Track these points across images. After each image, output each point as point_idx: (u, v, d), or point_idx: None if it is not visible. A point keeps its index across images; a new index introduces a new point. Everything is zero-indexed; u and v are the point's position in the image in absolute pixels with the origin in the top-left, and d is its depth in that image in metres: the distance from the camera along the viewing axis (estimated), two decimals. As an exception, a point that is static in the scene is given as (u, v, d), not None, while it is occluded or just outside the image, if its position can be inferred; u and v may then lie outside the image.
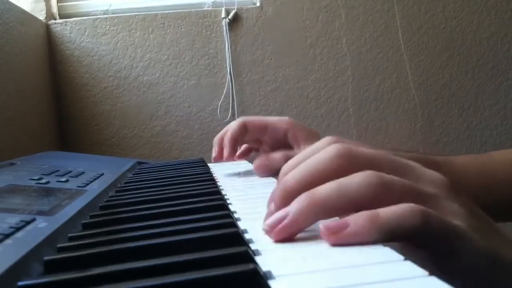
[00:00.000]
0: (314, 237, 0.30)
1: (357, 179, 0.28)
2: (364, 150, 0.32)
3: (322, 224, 0.27)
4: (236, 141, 0.63)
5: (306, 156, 0.33)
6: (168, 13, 1.41)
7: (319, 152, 0.32)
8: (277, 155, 0.60)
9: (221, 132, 0.66)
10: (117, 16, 1.40)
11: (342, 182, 0.29)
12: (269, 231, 0.29)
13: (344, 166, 0.30)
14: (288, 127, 0.62)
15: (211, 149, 0.69)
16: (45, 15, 1.35)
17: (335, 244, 0.27)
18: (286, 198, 0.30)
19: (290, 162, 0.35)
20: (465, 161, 0.58)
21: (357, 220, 0.27)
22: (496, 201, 0.55)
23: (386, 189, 0.28)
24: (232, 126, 0.63)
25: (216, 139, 0.66)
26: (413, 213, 0.27)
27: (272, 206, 0.31)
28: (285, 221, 0.29)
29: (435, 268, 0.28)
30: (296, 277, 0.23)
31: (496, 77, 1.50)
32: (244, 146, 0.69)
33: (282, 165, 0.55)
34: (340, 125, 1.46)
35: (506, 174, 0.56)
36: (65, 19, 1.38)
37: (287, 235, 0.29)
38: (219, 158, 0.65)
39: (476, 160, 0.59)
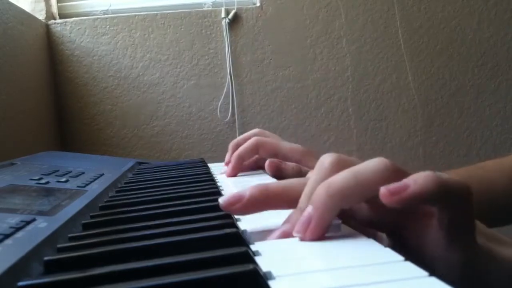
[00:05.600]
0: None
1: (371, 164, 0.29)
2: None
3: (382, 189, 0.27)
4: (243, 160, 0.63)
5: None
6: (168, 13, 1.41)
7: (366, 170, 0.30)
8: (292, 164, 0.60)
9: (238, 139, 0.66)
10: (117, 16, 1.40)
11: (356, 169, 0.29)
12: (302, 236, 0.29)
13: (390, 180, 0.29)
14: (300, 158, 0.61)
15: (211, 149, 0.69)
16: (45, 15, 1.35)
17: (396, 204, 0.27)
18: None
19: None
20: (466, 176, 0.60)
21: (419, 179, 0.27)
22: (496, 210, 0.58)
23: (401, 174, 0.29)
24: (245, 145, 0.62)
25: (231, 146, 0.66)
26: (464, 182, 0.28)
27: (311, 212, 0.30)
28: (313, 222, 0.29)
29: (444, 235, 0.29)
30: (296, 277, 0.23)
31: (496, 77, 1.50)
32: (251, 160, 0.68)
33: (293, 175, 0.55)
34: (340, 125, 1.46)
35: (503, 185, 0.59)
36: (65, 19, 1.38)
37: (321, 233, 0.29)
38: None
39: (475, 174, 0.60)
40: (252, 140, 0.62)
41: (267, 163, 0.59)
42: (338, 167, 0.31)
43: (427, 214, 0.29)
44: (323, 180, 0.30)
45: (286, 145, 0.62)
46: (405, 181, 0.27)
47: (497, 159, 0.63)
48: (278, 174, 0.58)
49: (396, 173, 0.28)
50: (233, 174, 0.62)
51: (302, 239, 0.29)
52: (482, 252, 0.29)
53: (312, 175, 0.32)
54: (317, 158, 0.33)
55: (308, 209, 0.29)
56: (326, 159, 0.32)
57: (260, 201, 0.32)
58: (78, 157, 0.87)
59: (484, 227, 0.33)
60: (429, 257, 0.29)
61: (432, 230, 0.29)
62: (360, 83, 1.47)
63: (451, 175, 0.59)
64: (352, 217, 0.32)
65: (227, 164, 0.66)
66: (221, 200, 0.33)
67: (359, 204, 0.31)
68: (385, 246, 0.27)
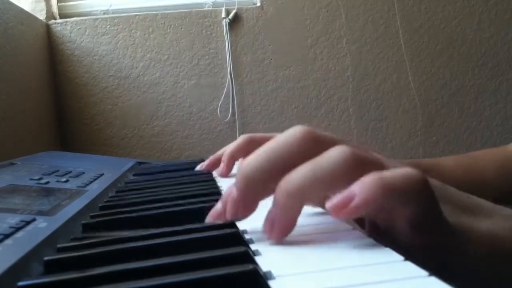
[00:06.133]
0: (314, 237, 0.30)
1: (330, 158, 0.27)
2: (329, 134, 0.31)
3: (327, 204, 0.26)
4: (235, 159, 0.62)
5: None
6: (169, 13, 1.41)
7: (279, 137, 0.30)
8: None
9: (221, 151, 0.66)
10: (117, 16, 1.40)
11: (315, 164, 0.27)
12: (269, 236, 0.29)
13: (309, 149, 0.29)
14: None
15: (211, 149, 0.68)
16: (45, 15, 1.35)
17: (346, 217, 0.26)
18: (248, 187, 0.30)
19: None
20: (452, 163, 0.59)
21: (363, 188, 0.25)
22: (485, 199, 0.57)
23: (361, 164, 0.27)
24: (235, 142, 0.62)
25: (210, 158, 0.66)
26: (414, 175, 0.26)
27: (234, 194, 0.30)
28: (277, 223, 0.28)
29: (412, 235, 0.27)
30: (296, 277, 0.23)
31: (496, 77, 1.50)
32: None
33: None
34: (340, 125, 1.46)
35: (492, 174, 0.58)
36: (65, 19, 1.38)
37: (287, 231, 0.29)
38: (209, 168, 0.65)
39: (462, 162, 0.60)
40: (242, 137, 0.62)
41: None
42: (306, 145, 0.29)
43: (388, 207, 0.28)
44: (283, 152, 0.29)
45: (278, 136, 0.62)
46: (350, 191, 0.26)
47: (488, 149, 0.62)
48: None
49: (357, 166, 0.27)
50: (226, 173, 0.62)
51: (269, 238, 0.29)
52: (454, 233, 0.28)
53: (278, 138, 0.30)
54: None
55: (271, 210, 0.29)
56: (298, 131, 0.30)
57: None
58: (78, 157, 0.87)
59: (459, 197, 0.31)
60: (401, 243, 0.29)
61: (395, 221, 0.28)
62: (361, 83, 1.47)
63: (439, 162, 0.58)
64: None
65: (208, 166, 0.65)
66: (207, 220, 0.33)
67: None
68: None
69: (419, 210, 0.27)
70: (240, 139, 0.62)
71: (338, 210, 0.26)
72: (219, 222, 0.33)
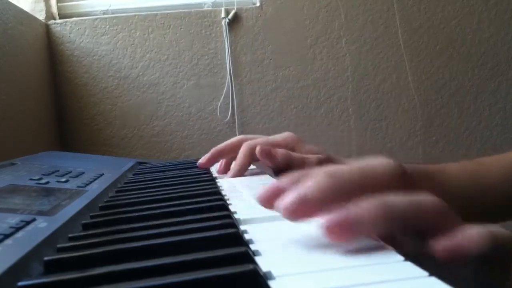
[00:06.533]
0: (314, 237, 0.30)
1: (430, 206, 0.28)
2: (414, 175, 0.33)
3: (440, 246, 0.26)
4: (245, 169, 0.63)
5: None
6: (168, 13, 1.41)
7: (375, 163, 0.31)
8: (281, 150, 0.58)
9: (223, 147, 0.66)
10: (116, 16, 1.40)
11: (416, 201, 0.28)
12: (327, 231, 0.26)
13: (396, 186, 0.30)
14: (294, 146, 0.60)
15: (211, 149, 0.68)
16: (45, 15, 1.35)
17: (447, 259, 0.26)
18: (327, 195, 0.29)
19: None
20: (458, 169, 0.59)
21: (472, 238, 0.27)
22: (491, 205, 0.57)
23: (451, 219, 0.28)
24: (241, 153, 0.62)
25: (215, 151, 0.66)
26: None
27: (310, 193, 0.29)
28: (348, 228, 0.26)
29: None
30: (296, 277, 0.23)
31: (496, 77, 1.50)
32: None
33: (284, 161, 0.54)
34: (340, 125, 1.46)
35: (499, 179, 0.58)
36: (65, 19, 1.38)
37: (343, 240, 0.27)
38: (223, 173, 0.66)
39: (468, 167, 0.60)
40: (245, 146, 0.62)
41: (257, 149, 0.57)
42: (395, 182, 0.31)
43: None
44: (373, 178, 0.30)
45: (277, 137, 0.62)
46: (461, 240, 0.26)
47: (493, 156, 0.62)
48: (270, 158, 0.56)
49: (448, 218, 0.28)
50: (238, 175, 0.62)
51: (325, 232, 0.26)
52: None
53: (373, 164, 0.31)
54: (307, 143, 0.32)
55: (352, 212, 0.27)
56: (392, 165, 0.32)
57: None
58: (78, 157, 0.87)
59: None
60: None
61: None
62: (360, 83, 1.47)
63: (445, 167, 0.58)
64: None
65: (209, 161, 0.67)
66: (259, 195, 0.31)
67: None
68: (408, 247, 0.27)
69: (501, 263, 0.28)
70: (245, 148, 0.62)
71: (447, 252, 0.26)
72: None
